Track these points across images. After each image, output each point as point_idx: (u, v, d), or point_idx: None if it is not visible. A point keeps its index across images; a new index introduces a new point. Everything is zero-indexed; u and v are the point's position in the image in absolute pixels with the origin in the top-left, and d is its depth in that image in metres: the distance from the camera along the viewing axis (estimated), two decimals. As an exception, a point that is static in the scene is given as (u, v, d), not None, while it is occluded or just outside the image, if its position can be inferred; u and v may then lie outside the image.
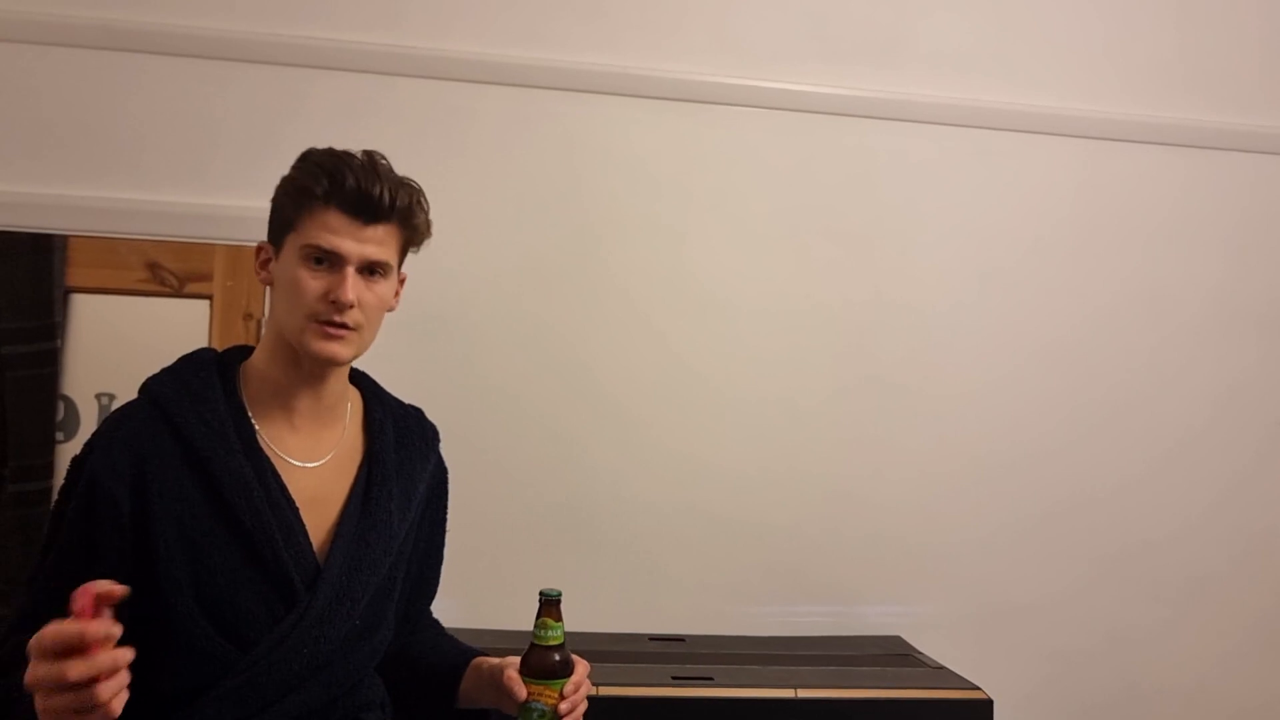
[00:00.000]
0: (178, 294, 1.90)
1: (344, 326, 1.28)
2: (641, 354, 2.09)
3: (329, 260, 1.27)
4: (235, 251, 1.92)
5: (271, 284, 1.33)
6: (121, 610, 0.97)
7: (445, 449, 1.99)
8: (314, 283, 1.26)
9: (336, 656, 1.30)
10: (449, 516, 1.57)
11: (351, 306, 1.27)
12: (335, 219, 1.26)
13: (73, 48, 1.90)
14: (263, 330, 1.38)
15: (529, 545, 2.01)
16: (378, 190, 1.28)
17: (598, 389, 2.07)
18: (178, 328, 1.89)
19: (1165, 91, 2.28)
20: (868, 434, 2.15)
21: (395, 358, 1.94)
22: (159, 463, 1.24)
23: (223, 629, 1.23)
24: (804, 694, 1.64)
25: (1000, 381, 2.21)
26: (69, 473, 1.28)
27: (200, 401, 1.28)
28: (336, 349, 1.28)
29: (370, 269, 1.30)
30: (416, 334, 1.99)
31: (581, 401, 2.06)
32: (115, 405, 1.94)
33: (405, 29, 2.01)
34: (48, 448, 1.86)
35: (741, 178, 2.13)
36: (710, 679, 1.67)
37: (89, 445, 1.28)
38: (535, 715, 1.22)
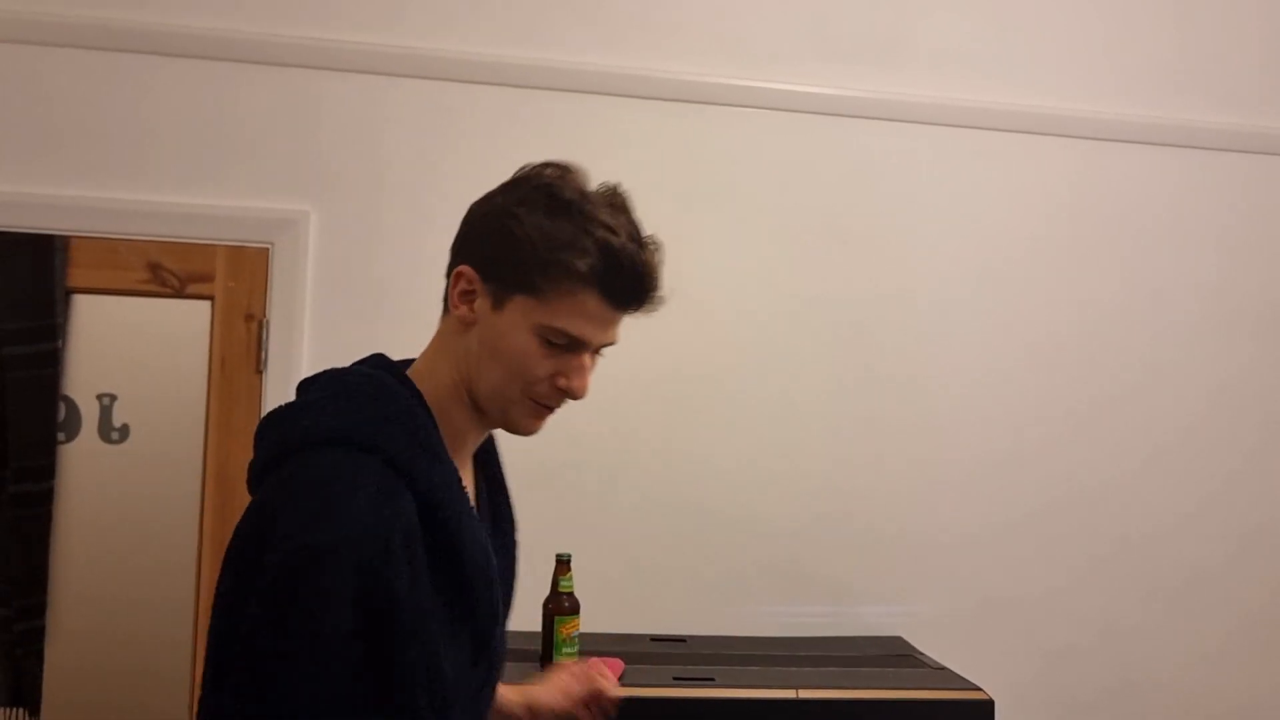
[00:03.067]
0: (179, 295, 1.90)
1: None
2: (641, 354, 2.09)
3: (569, 343, 1.09)
4: (236, 252, 1.92)
5: (472, 324, 1.09)
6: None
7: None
8: (545, 363, 1.08)
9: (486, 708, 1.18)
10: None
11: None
12: (595, 305, 1.07)
13: (73, 48, 1.90)
14: (427, 358, 1.17)
15: (528, 546, 2.01)
16: (654, 288, 1.11)
17: (595, 388, 2.06)
18: (179, 328, 1.89)
19: (1163, 92, 2.29)
20: (867, 433, 2.16)
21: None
22: (409, 540, 0.98)
23: (439, 712, 1.01)
24: (805, 694, 1.64)
25: (998, 379, 2.21)
26: (310, 569, 0.92)
27: (435, 459, 1.04)
28: (539, 426, 1.13)
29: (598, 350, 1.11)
30: (414, 335, 1.98)
31: (579, 400, 2.06)
32: (116, 405, 1.94)
33: (405, 30, 2.01)
34: (49, 448, 1.86)
35: (740, 178, 2.13)
36: (711, 679, 1.67)
37: (339, 533, 0.94)
38: (575, 640, 1.76)
